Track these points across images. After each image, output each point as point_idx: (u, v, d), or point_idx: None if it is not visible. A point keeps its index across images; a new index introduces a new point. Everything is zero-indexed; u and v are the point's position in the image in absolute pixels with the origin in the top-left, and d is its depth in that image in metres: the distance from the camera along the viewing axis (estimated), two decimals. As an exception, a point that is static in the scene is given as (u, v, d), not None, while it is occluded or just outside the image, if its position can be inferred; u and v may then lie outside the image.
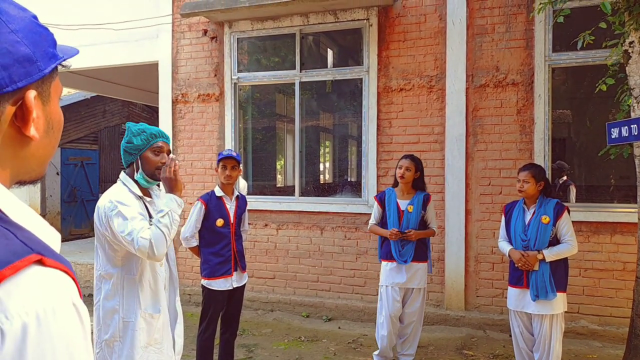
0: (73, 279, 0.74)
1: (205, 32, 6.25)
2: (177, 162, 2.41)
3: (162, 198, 2.58)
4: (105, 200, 2.34)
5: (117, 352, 2.29)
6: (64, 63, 0.87)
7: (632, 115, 3.70)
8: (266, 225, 6.04)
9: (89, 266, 6.90)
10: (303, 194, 6.07)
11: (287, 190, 6.48)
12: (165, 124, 6.43)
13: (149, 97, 9.94)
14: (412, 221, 4.07)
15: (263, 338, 5.16)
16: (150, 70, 6.81)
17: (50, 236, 0.79)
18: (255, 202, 6.12)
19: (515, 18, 5.14)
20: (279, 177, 7.01)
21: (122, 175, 2.48)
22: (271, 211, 6.02)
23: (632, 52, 3.64)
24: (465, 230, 5.25)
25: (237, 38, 6.16)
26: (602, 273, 4.89)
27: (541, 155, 5.03)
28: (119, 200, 2.31)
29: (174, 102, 6.42)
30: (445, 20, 5.32)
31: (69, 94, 10.77)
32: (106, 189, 2.52)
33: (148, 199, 2.49)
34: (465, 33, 5.25)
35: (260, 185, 6.75)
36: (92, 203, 11.15)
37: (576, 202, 5.74)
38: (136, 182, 2.45)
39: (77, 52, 0.97)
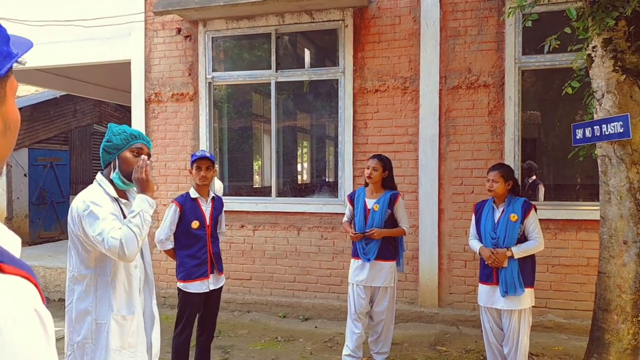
0: (35, 285, 0.72)
1: (179, 30, 6.20)
2: (148, 162, 2.39)
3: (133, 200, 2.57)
4: (78, 201, 2.32)
5: (89, 354, 2.26)
6: (19, 59, 0.83)
7: (595, 117, 3.85)
8: (242, 226, 6.03)
9: (60, 270, 6.76)
10: (280, 194, 6.08)
11: (264, 191, 6.49)
12: (138, 123, 6.36)
13: (121, 96, 9.78)
14: (377, 220, 4.11)
15: (239, 339, 5.16)
16: (122, 68, 6.72)
17: (8, 240, 0.76)
18: (231, 203, 6.11)
19: (486, 21, 5.27)
20: (255, 177, 7.01)
21: (99, 176, 2.46)
22: (247, 212, 6.02)
23: (595, 56, 3.78)
24: (439, 228, 5.36)
25: (212, 37, 6.13)
26: (568, 269, 5.07)
27: (511, 155, 5.18)
28: (92, 201, 2.29)
29: (147, 102, 6.35)
30: (419, 22, 5.41)
31: (37, 92, 10.52)
32: (78, 191, 2.49)
33: (124, 200, 2.47)
34: (439, 35, 5.35)
35: (236, 186, 6.73)
36: (63, 205, 10.92)
37: (544, 200, 5.91)
38: (112, 183, 2.43)
39: (32, 45, 0.91)
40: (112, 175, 2.41)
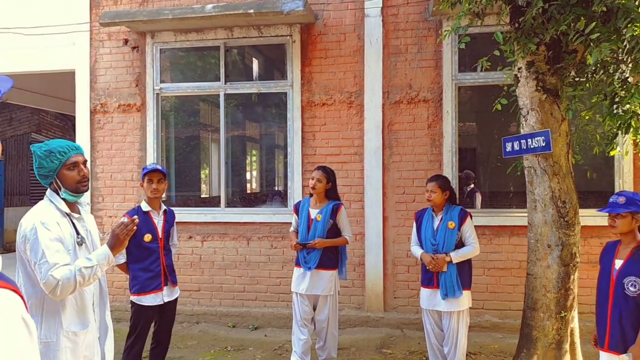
0: (20, 297, 0.82)
1: (126, 41, 6.17)
2: (135, 228, 2.43)
3: (88, 216, 2.61)
4: (28, 221, 2.30)
5: None
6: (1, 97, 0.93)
7: (521, 131, 4.21)
8: (191, 237, 6.05)
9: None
10: (229, 204, 6.15)
11: (213, 201, 6.53)
12: (82, 134, 6.25)
13: (63, 105, 9.50)
14: (319, 229, 4.26)
15: (189, 350, 5.18)
16: (64, 77, 6.57)
17: None
18: (179, 214, 6.07)
19: (425, 40, 5.60)
20: (203, 187, 7.03)
21: (49, 192, 2.45)
22: (196, 223, 6.04)
23: (521, 76, 4.15)
24: (383, 235, 5.61)
25: (160, 49, 6.14)
26: (502, 272, 5.44)
27: (449, 166, 5.52)
28: (42, 221, 2.28)
29: (93, 112, 6.26)
30: (363, 40, 5.68)
31: (-29, 100, 10.02)
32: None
33: (76, 215, 2.49)
34: (382, 52, 5.64)
35: (184, 197, 6.73)
36: (-2, 217, 10.40)
37: (481, 208, 6.30)
38: (63, 198, 2.44)
39: (13, 82, 1.01)
40: (61, 194, 2.42)
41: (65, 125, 11.72)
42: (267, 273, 5.88)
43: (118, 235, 2.39)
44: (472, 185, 6.81)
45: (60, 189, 2.42)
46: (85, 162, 2.51)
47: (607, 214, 3.12)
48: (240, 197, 6.73)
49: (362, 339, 5.33)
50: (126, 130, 6.19)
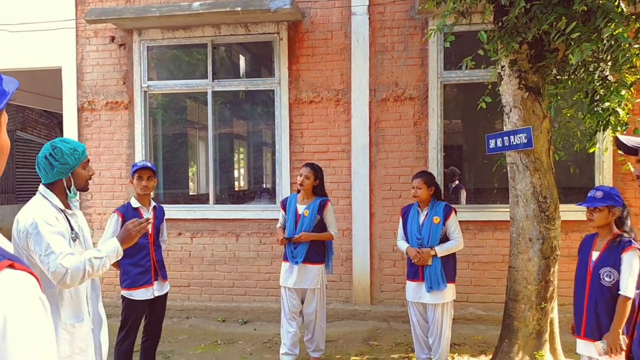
0: (36, 279, 0.94)
1: (113, 39, 6.17)
2: (149, 224, 2.56)
3: (78, 212, 2.66)
4: (26, 216, 2.34)
5: None
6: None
7: (505, 128, 4.33)
8: (180, 234, 6.09)
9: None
10: (218, 201, 6.20)
11: (201, 199, 6.57)
12: (70, 132, 6.24)
13: (49, 102, 9.43)
14: (306, 224, 4.35)
15: (179, 344, 5.23)
16: (50, 74, 6.55)
17: (8, 246, 0.98)
18: (168, 211, 6.10)
19: (412, 38, 5.69)
20: (192, 185, 7.06)
21: (42, 188, 2.48)
22: (185, 220, 6.08)
23: (504, 74, 4.26)
24: (370, 231, 5.71)
25: (147, 46, 6.16)
26: (486, 265, 5.58)
27: (435, 162, 5.63)
28: (41, 217, 2.32)
29: (80, 110, 6.25)
30: (350, 38, 5.76)
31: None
32: None
33: (69, 211, 2.54)
34: (368, 50, 5.72)
35: (173, 194, 6.76)
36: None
37: (466, 203, 6.43)
38: (58, 195, 2.47)
39: (19, 83, 1.13)
40: (72, 190, 2.50)
41: (51, 122, 11.63)
42: (256, 268, 5.95)
43: (130, 231, 2.51)
44: (457, 182, 6.93)
45: (70, 187, 2.50)
46: (88, 159, 2.63)
47: (586, 208, 3.24)
48: (229, 194, 6.78)
49: (350, 332, 5.44)
50: (114, 127, 6.20)
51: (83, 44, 6.25)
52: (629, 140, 1.92)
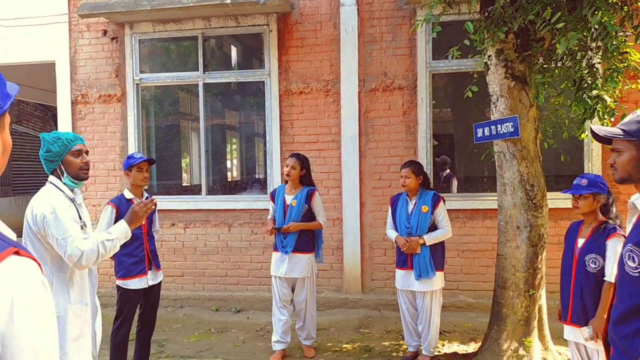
0: (39, 265, 1.03)
1: (105, 32, 6.19)
2: (153, 206, 2.66)
3: (83, 203, 2.74)
4: (44, 203, 2.46)
5: None
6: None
7: (492, 117, 4.37)
8: (173, 224, 6.15)
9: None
10: (210, 192, 6.25)
11: (194, 189, 6.62)
12: (64, 125, 6.28)
13: (43, 95, 9.44)
14: (294, 214, 4.41)
15: (174, 333, 5.31)
16: (45, 68, 6.57)
17: (11, 235, 1.05)
18: (161, 202, 6.18)
19: (400, 28, 5.71)
20: (185, 176, 7.11)
21: (52, 178, 2.60)
22: (178, 210, 6.14)
23: (490, 64, 4.29)
24: (360, 220, 5.77)
25: (139, 39, 6.18)
26: (476, 253, 5.64)
27: (424, 152, 5.67)
28: (59, 204, 2.46)
29: (74, 103, 6.29)
30: (339, 29, 5.77)
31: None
32: None
33: (78, 201, 2.65)
34: (357, 41, 5.74)
35: (166, 185, 6.81)
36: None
37: (458, 192, 6.48)
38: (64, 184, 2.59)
39: (19, 88, 1.23)
40: (63, 179, 2.58)
41: (45, 115, 11.64)
42: (248, 258, 6.01)
43: (137, 212, 2.61)
44: (448, 170, 6.98)
45: (63, 175, 2.58)
46: (87, 152, 2.70)
47: (571, 195, 3.29)
48: (221, 185, 6.83)
49: (341, 320, 5.51)
50: (107, 120, 6.24)
51: (76, 38, 6.27)
52: (600, 130, 1.96)
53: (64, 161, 2.57)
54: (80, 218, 2.58)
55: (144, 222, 3.87)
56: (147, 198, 3.98)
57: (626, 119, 1.92)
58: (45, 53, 6.26)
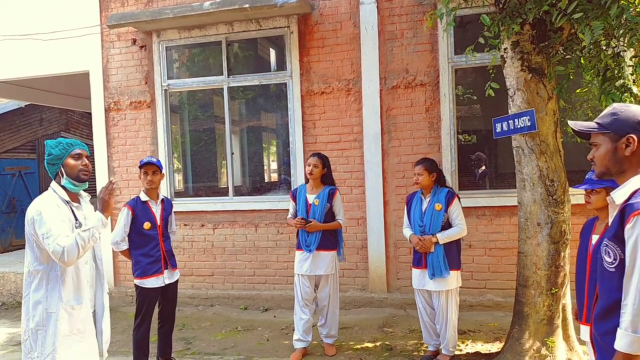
0: None
1: (135, 41, 6.46)
2: (114, 185, 2.76)
3: (88, 206, 2.89)
4: (34, 206, 2.64)
5: (40, 339, 2.61)
6: None
7: (509, 112, 4.25)
8: (203, 225, 6.34)
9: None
10: (237, 193, 6.40)
11: (222, 191, 6.79)
12: (99, 131, 6.61)
13: (86, 104, 9.93)
14: (317, 213, 4.45)
15: (202, 331, 5.49)
16: (84, 77, 6.93)
17: None
18: (191, 204, 6.43)
19: (421, 24, 5.64)
20: (213, 178, 7.30)
21: (52, 183, 2.79)
22: (207, 212, 6.33)
23: (507, 57, 4.18)
24: (384, 219, 5.74)
25: (166, 46, 6.40)
26: (503, 251, 5.49)
27: (448, 149, 5.58)
28: (46, 206, 2.61)
29: (107, 110, 6.60)
30: (359, 27, 5.77)
31: (1, 103, 10.61)
32: None
33: (75, 204, 2.79)
34: (378, 39, 5.71)
35: (195, 188, 7.02)
36: (33, 212, 11.00)
37: (489, 189, 6.31)
38: (64, 188, 2.75)
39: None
40: (63, 181, 2.75)
41: (91, 123, 12.20)
42: (274, 257, 6.12)
43: (102, 198, 2.72)
44: (483, 167, 6.81)
45: (63, 177, 2.74)
46: (88, 156, 2.84)
47: (584, 190, 3.17)
48: (247, 187, 6.96)
49: (366, 319, 5.51)
50: (138, 126, 6.51)
51: (108, 48, 6.58)
52: (576, 124, 1.91)
53: (65, 164, 2.73)
54: (77, 219, 2.71)
55: (159, 224, 4.06)
56: (161, 200, 4.17)
57: (603, 112, 1.85)
58: (80, 63, 6.60)
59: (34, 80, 7.67)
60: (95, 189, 6.59)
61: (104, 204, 2.71)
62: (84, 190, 2.89)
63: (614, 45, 4.10)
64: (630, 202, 1.68)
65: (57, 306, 2.62)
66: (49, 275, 2.63)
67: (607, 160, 1.79)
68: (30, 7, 6.76)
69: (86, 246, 2.59)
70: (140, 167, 4.03)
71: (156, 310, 4.21)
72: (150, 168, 4.01)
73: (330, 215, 4.52)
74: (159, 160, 4.10)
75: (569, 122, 1.97)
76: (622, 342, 1.66)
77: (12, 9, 6.82)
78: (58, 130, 12.00)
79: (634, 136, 1.74)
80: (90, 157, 2.87)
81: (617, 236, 1.71)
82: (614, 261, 1.72)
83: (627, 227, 1.65)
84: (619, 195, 1.81)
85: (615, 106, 1.82)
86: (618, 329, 1.68)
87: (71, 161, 2.73)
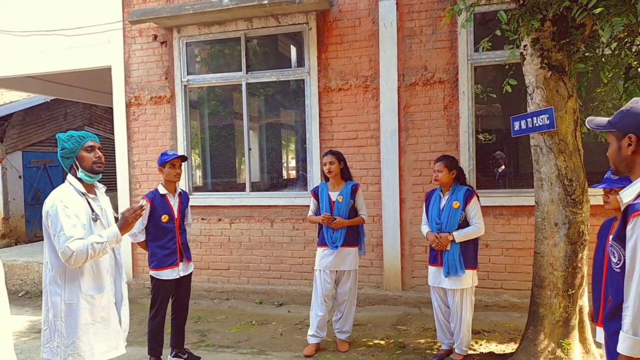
0: None
1: (156, 37, 6.55)
2: (144, 212, 2.79)
3: (103, 197, 2.94)
4: (50, 199, 2.68)
5: (59, 329, 2.66)
6: None
7: (528, 110, 4.19)
8: (220, 219, 6.41)
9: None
10: (253, 189, 6.45)
11: (239, 187, 6.85)
12: (120, 125, 6.72)
13: (108, 99, 10.11)
14: (342, 210, 4.48)
15: (217, 324, 5.55)
16: (107, 72, 7.06)
17: None
18: (208, 199, 6.50)
19: (440, 21, 5.58)
20: (230, 174, 7.36)
21: (69, 176, 2.83)
22: (224, 207, 6.39)
23: (526, 54, 4.12)
24: (400, 217, 5.72)
25: (186, 42, 6.48)
26: (520, 252, 5.42)
27: (466, 147, 5.53)
28: (61, 200, 2.65)
29: (128, 105, 6.71)
30: (377, 24, 5.75)
31: (28, 97, 10.87)
32: None
33: (91, 195, 2.84)
34: (396, 35, 5.69)
35: (212, 182, 7.10)
36: (57, 204, 11.27)
37: (507, 188, 6.23)
38: (80, 180, 2.79)
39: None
40: (79, 174, 2.79)
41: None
42: (290, 253, 6.15)
43: (127, 218, 2.76)
44: (503, 167, 6.72)
45: (78, 169, 2.78)
46: (100, 148, 2.89)
47: (602, 190, 3.11)
48: (264, 182, 7.01)
49: (380, 317, 5.51)
50: (158, 120, 6.60)
51: (129, 44, 6.68)
52: (590, 122, 1.88)
53: (78, 157, 2.77)
54: (93, 211, 2.76)
55: (176, 216, 4.12)
56: (179, 194, 4.23)
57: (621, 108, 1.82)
58: (102, 59, 6.73)
59: (58, 75, 7.85)
60: (115, 181, 6.73)
61: (124, 223, 2.75)
62: (99, 182, 2.94)
63: (638, 43, 4.01)
64: (633, 202, 1.65)
65: (77, 297, 2.67)
66: (66, 267, 2.66)
67: (614, 158, 1.77)
68: (55, 4, 6.91)
69: (95, 256, 2.63)
70: (166, 161, 4.07)
71: (170, 301, 4.27)
72: (178, 161, 4.08)
73: (353, 211, 4.54)
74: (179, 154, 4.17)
75: (588, 119, 1.94)
76: (623, 344, 1.63)
77: (38, 6, 6.98)
78: (82, 124, 12.25)
79: (633, 135, 1.71)
80: (102, 148, 2.92)
81: (620, 236, 1.69)
82: (618, 261, 1.70)
83: (628, 227, 1.62)
84: (626, 195, 1.78)
85: (630, 102, 1.79)
86: (620, 331, 1.65)
87: (85, 154, 2.78)
